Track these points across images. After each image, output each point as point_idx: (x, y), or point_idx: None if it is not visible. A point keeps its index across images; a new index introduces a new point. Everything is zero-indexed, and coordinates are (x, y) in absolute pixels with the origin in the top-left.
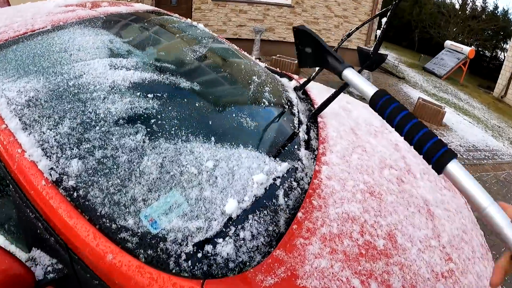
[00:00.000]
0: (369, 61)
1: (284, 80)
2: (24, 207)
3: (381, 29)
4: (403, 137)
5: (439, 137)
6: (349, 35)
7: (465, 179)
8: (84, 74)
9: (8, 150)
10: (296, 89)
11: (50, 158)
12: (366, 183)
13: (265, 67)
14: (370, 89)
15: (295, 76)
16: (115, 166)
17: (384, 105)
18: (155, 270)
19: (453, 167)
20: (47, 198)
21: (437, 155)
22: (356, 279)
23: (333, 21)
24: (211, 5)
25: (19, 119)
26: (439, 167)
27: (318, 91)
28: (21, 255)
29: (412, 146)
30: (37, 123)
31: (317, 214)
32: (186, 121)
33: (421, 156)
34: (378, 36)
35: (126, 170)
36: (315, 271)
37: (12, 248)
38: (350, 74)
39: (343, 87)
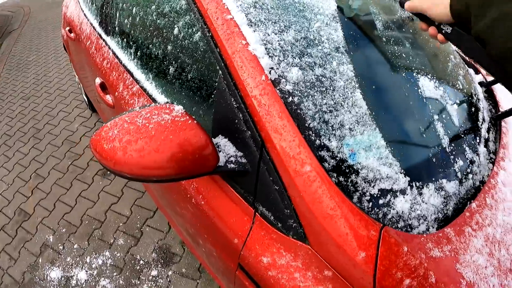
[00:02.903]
0: None
1: (471, 70)
2: (229, 96)
3: None
4: None
5: None
6: None
7: None
8: None
9: (229, 40)
10: (481, 84)
11: (272, 59)
12: None
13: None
14: None
15: (483, 71)
16: (331, 88)
17: None
18: (344, 197)
19: None
20: (262, 93)
21: None
22: None
23: None
24: None
25: (245, 15)
26: None
27: (504, 95)
28: None
29: None
30: (263, 24)
31: (487, 212)
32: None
33: None
34: None
35: (341, 95)
36: (472, 264)
37: None
38: None
39: None
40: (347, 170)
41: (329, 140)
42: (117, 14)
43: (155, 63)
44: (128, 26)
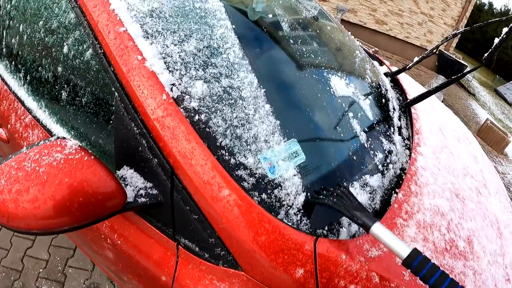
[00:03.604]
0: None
1: (375, 63)
2: (128, 120)
3: (500, 38)
4: None
5: None
6: (440, 43)
7: None
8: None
9: (123, 56)
10: (386, 74)
11: (173, 74)
12: (452, 184)
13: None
14: (404, 249)
15: (386, 62)
16: (239, 99)
17: (420, 265)
18: (270, 216)
19: None
20: (165, 114)
21: None
22: None
23: (417, 18)
24: None
25: (141, 26)
26: None
27: (408, 83)
28: None
29: None
30: (160, 35)
31: (414, 199)
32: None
33: None
34: (494, 44)
35: (252, 106)
36: None
37: None
38: (381, 230)
39: (446, 84)
40: (268, 186)
41: (245, 157)
42: (4, 33)
43: (46, 88)
44: (15, 46)
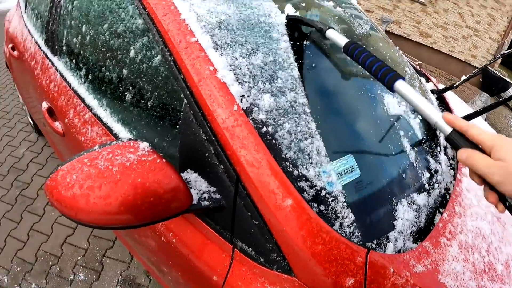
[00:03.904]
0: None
1: (422, 79)
2: (197, 126)
3: None
4: (366, 69)
5: (389, 66)
6: (489, 62)
7: (412, 94)
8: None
9: (195, 65)
10: (433, 92)
11: (242, 86)
12: (494, 208)
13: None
14: (343, 40)
15: (433, 79)
16: (303, 114)
17: (353, 49)
18: (328, 227)
19: (400, 84)
20: (235, 124)
21: (387, 76)
22: None
23: (462, 31)
24: None
25: (211, 37)
26: (390, 85)
27: (454, 101)
28: None
29: (372, 75)
30: (229, 47)
31: (457, 220)
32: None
33: (378, 80)
34: None
35: (314, 121)
36: (452, 272)
37: None
38: (332, 33)
39: (497, 104)
40: (326, 198)
41: (307, 169)
42: (65, 32)
43: (109, 88)
44: (77, 46)
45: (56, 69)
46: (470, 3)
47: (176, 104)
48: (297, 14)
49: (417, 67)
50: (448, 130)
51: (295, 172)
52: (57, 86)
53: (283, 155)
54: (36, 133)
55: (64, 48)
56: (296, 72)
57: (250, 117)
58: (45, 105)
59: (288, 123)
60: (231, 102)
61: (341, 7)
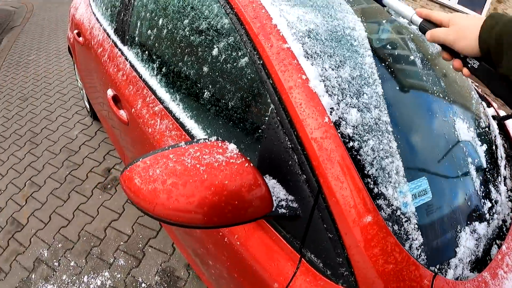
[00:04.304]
0: None
1: (483, 103)
2: (282, 134)
3: None
4: None
5: None
6: None
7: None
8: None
9: (286, 72)
10: (494, 117)
11: (332, 98)
12: None
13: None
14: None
15: (494, 104)
16: (385, 132)
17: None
18: (401, 247)
19: None
20: (324, 136)
21: None
22: None
23: None
24: None
25: (302, 45)
26: None
27: None
28: None
29: None
30: (319, 57)
31: None
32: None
33: None
34: None
35: (395, 140)
36: None
37: None
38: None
39: None
40: (400, 218)
41: (386, 188)
42: (138, 23)
43: (184, 83)
44: (152, 38)
45: (126, 59)
46: None
47: (261, 108)
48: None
49: (479, 90)
50: (419, 20)
51: (375, 190)
52: (126, 75)
53: (365, 172)
54: (90, 117)
55: (136, 39)
56: (380, 89)
57: (339, 131)
58: (110, 92)
59: (372, 140)
60: (322, 113)
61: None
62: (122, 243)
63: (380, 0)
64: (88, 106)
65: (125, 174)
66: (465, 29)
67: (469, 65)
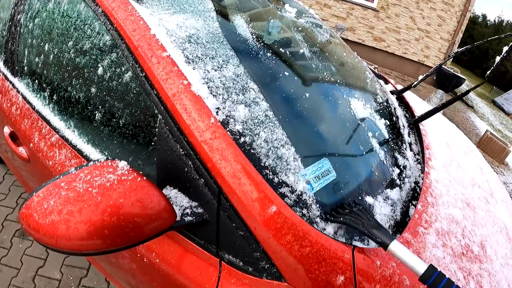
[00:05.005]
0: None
1: (381, 81)
2: (173, 142)
3: (501, 56)
4: None
5: None
6: (444, 61)
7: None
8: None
9: (168, 80)
10: (392, 92)
11: (217, 98)
12: (463, 194)
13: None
14: (420, 265)
15: (391, 80)
16: (277, 122)
17: (436, 281)
18: (313, 229)
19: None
20: (213, 137)
21: None
22: (460, 273)
23: (414, 34)
24: None
25: (182, 51)
26: None
27: (413, 100)
28: None
29: None
30: (201, 60)
31: (431, 210)
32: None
33: None
34: (496, 62)
35: (289, 128)
36: (433, 258)
37: None
38: (398, 248)
39: (454, 99)
40: (307, 201)
41: (286, 175)
42: (26, 52)
43: (76, 108)
44: (40, 65)
45: (18, 91)
46: (420, 6)
47: (150, 120)
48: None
49: (375, 70)
50: None
51: (276, 180)
52: (20, 109)
53: (262, 164)
54: None
55: (25, 68)
56: (268, 82)
57: (227, 129)
58: (7, 130)
59: (264, 132)
60: (208, 115)
61: (302, 18)
62: None
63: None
64: None
65: (21, 212)
66: None
67: None
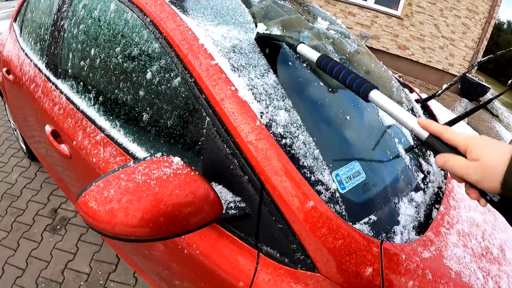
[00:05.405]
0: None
1: (406, 90)
2: (220, 142)
3: None
4: (340, 82)
5: (363, 77)
6: (468, 70)
7: (388, 103)
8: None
9: (217, 86)
10: (417, 101)
11: (260, 103)
12: None
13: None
14: (315, 54)
15: (416, 89)
16: (315, 126)
17: (326, 63)
18: (346, 223)
19: (375, 94)
20: (258, 138)
21: (361, 88)
22: (480, 273)
23: (439, 41)
24: (322, 2)
25: (228, 60)
26: (365, 96)
27: (437, 108)
28: None
29: (347, 87)
30: (245, 68)
31: (453, 212)
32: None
33: (353, 91)
34: None
35: (326, 132)
36: (454, 256)
37: None
38: (303, 48)
39: (477, 107)
40: (340, 199)
41: (321, 174)
42: (70, 55)
43: (123, 109)
44: (85, 68)
45: (61, 92)
46: (444, 14)
47: (198, 122)
48: (267, 32)
49: (399, 79)
50: (425, 135)
51: (312, 178)
52: (63, 108)
53: (300, 164)
54: (28, 158)
55: (69, 71)
56: (307, 89)
57: (271, 131)
58: (48, 128)
59: (302, 135)
60: (253, 118)
61: (330, 28)
62: (82, 283)
63: (366, 98)
64: (24, 146)
65: (80, 200)
66: (490, 169)
67: (487, 197)
